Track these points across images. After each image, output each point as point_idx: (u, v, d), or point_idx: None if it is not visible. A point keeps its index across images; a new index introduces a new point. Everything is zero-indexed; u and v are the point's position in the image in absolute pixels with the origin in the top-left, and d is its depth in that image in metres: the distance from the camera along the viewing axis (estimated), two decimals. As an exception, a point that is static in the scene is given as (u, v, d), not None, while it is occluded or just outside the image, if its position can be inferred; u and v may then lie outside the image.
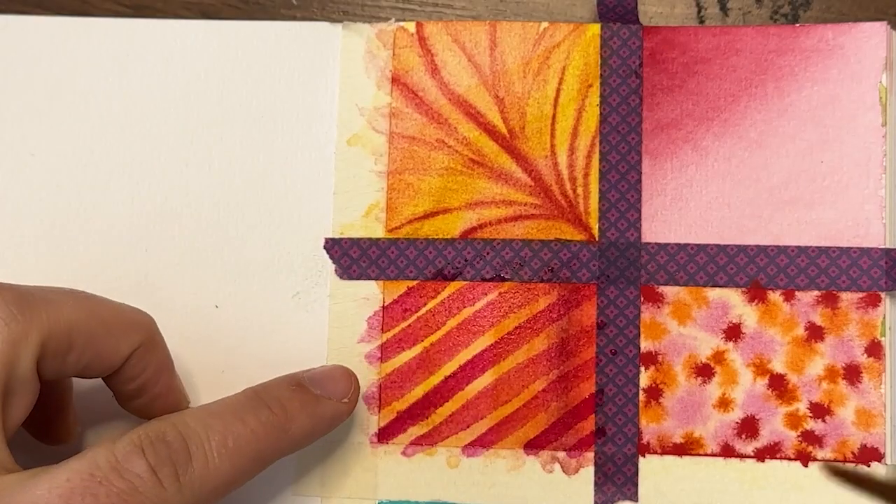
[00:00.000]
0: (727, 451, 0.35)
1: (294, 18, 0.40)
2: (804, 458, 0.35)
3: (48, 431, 0.34)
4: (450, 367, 0.36)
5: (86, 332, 0.30)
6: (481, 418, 0.36)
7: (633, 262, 0.36)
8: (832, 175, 0.36)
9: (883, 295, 0.35)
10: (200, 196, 0.38)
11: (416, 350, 0.37)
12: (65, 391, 0.34)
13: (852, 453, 0.35)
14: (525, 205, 0.37)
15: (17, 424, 0.29)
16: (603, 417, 0.36)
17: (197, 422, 0.30)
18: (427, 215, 0.37)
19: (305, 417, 0.32)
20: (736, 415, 0.35)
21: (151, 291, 0.37)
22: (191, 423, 0.30)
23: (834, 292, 0.36)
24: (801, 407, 0.35)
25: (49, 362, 0.30)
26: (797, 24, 0.37)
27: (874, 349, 0.35)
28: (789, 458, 0.35)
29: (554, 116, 0.37)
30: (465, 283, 0.37)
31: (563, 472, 0.36)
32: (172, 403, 0.34)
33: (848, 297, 0.35)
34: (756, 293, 0.36)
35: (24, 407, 0.29)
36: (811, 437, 0.35)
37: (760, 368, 0.36)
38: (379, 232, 0.37)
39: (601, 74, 0.37)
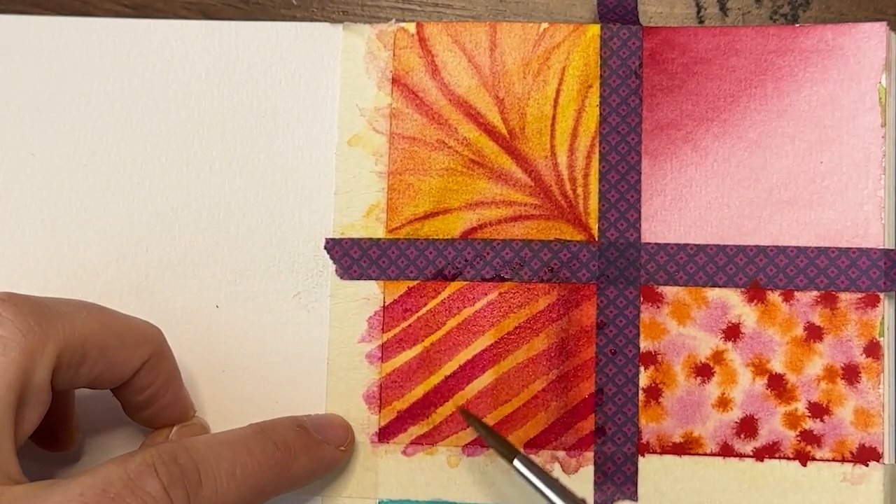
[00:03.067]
0: (726, 451, 0.35)
1: (294, 19, 0.40)
2: (803, 458, 0.35)
3: (51, 439, 0.34)
4: (450, 367, 0.37)
5: (99, 345, 0.31)
6: (481, 418, 0.36)
7: (632, 262, 0.36)
8: (831, 176, 0.36)
9: (882, 295, 0.35)
10: (201, 196, 0.38)
11: (416, 350, 0.37)
12: (68, 399, 0.34)
13: (851, 453, 0.35)
14: (525, 205, 0.37)
15: (28, 434, 0.29)
16: (602, 417, 0.36)
17: (207, 448, 0.30)
18: (427, 215, 0.37)
19: (307, 458, 0.33)
20: (735, 414, 0.36)
21: (152, 291, 0.37)
22: (201, 448, 0.30)
23: (833, 293, 0.36)
24: (800, 407, 0.35)
25: (63, 373, 0.30)
26: (797, 25, 0.37)
27: (873, 349, 0.35)
28: (788, 458, 0.35)
29: (554, 117, 0.37)
30: (465, 283, 0.37)
31: (563, 471, 0.36)
32: (179, 413, 0.35)
33: (847, 298, 0.36)
34: (755, 293, 0.36)
35: (35, 417, 0.29)
36: (810, 437, 0.35)
37: (759, 368, 0.36)
38: (379, 232, 0.37)
39: (601, 75, 0.37)
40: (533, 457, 0.36)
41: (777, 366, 0.36)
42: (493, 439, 0.34)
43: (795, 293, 0.36)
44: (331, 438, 0.34)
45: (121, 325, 0.32)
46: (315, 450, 0.34)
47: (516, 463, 0.33)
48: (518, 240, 0.37)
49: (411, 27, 0.38)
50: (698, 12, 0.39)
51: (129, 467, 0.28)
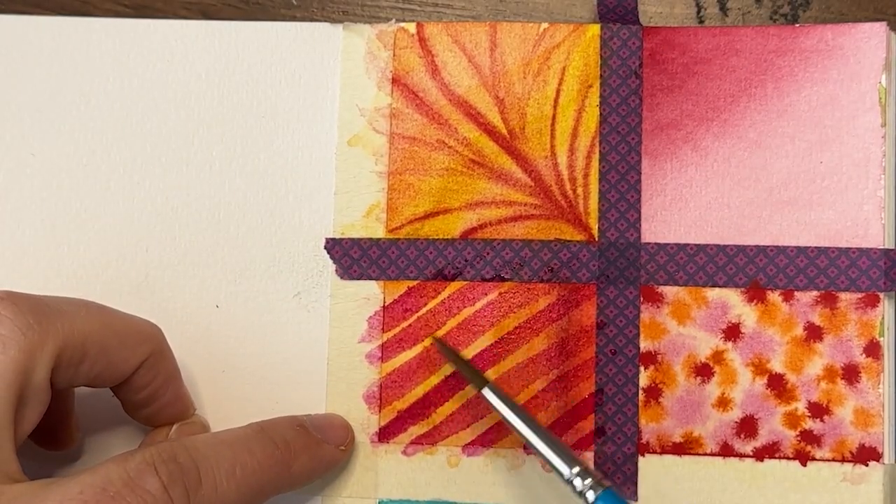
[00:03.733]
0: (726, 451, 0.35)
1: (294, 19, 0.40)
2: (803, 458, 0.35)
3: (51, 438, 0.35)
4: (450, 367, 0.37)
5: (99, 343, 0.31)
6: (481, 417, 0.36)
7: (632, 262, 0.36)
8: (831, 176, 0.36)
9: (881, 295, 0.35)
10: (201, 196, 0.38)
11: (416, 350, 0.37)
12: (68, 398, 0.34)
13: (850, 453, 0.35)
14: (525, 205, 0.37)
15: (28, 433, 0.29)
16: (602, 417, 0.36)
17: (208, 448, 0.30)
18: (427, 215, 0.37)
19: (306, 458, 0.33)
20: (735, 414, 0.36)
21: (152, 291, 0.37)
22: (201, 448, 0.30)
23: (833, 292, 0.36)
24: (800, 406, 0.35)
25: (63, 372, 0.30)
26: (797, 25, 0.37)
27: (873, 349, 0.35)
28: (788, 458, 0.35)
29: (554, 117, 0.37)
30: (465, 283, 0.37)
31: (563, 471, 0.36)
32: (179, 412, 0.35)
33: (847, 298, 0.36)
34: (755, 293, 0.36)
35: (35, 416, 0.29)
36: (810, 437, 0.35)
37: (759, 368, 0.36)
38: (379, 232, 0.37)
39: (601, 75, 0.37)
40: (533, 457, 0.36)
41: (777, 366, 0.36)
42: (464, 368, 0.35)
43: (795, 293, 0.36)
44: (331, 438, 0.34)
45: (121, 324, 0.32)
46: (315, 449, 0.34)
47: (485, 391, 0.34)
48: (518, 240, 0.37)
49: (411, 27, 0.38)
50: (698, 12, 0.39)
51: (128, 466, 0.28)
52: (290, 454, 0.32)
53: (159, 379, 0.33)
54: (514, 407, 0.33)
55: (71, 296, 0.32)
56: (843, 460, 0.35)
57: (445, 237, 0.37)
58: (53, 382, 0.30)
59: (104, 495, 0.27)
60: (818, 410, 0.35)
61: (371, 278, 0.37)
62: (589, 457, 0.36)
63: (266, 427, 0.32)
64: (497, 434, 0.36)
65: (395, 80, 0.38)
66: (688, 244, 0.36)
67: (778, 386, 0.36)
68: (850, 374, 0.35)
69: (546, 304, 0.36)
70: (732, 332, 0.36)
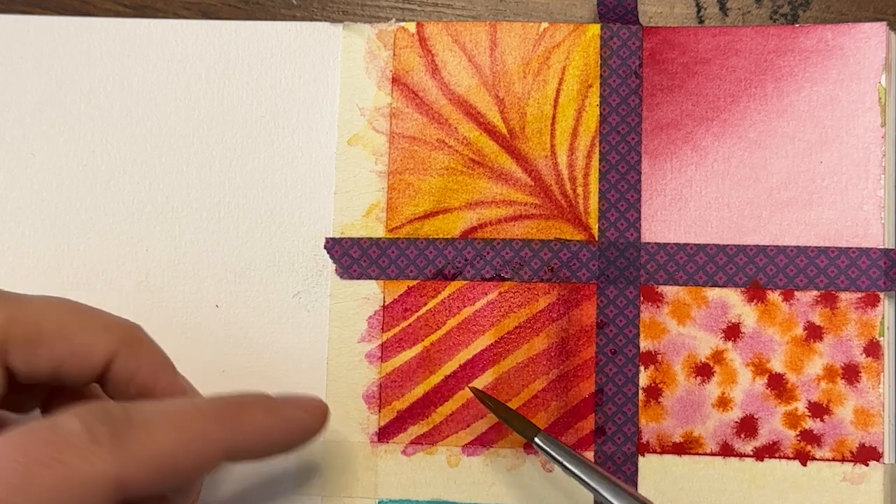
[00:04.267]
0: (726, 451, 0.35)
1: (294, 18, 0.40)
2: (803, 458, 0.35)
3: None
4: (450, 367, 0.37)
5: (56, 322, 0.29)
6: (481, 417, 0.36)
7: (632, 261, 0.36)
8: (831, 175, 0.36)
9: (881, 295, 0.35)
10: (201, 196, 0.38)
11: (416, 349, 0.37)
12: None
13: (851, 452, 0.35)
14: (525, 205, 0.37)
15: None
16: (602, 416, 0.36)
17: (145, 403, 0.28)
18: (427, 215, 0.37)
19: (261, 413, 0.30)
20: (735, 414, 0.36)
21: (152, 291, 0.37)
22: (138, 403, 0.28)
23: (833, 292, 0.36)
24: (800, 406, 0.35)
25: (19, 352, 0.29)
26: (796, 25, 0.37)
27: (873, 349, 0.35)
28: (788, 458, 0.35)
29: (554, 117, 0.37)
30: (465, 282, 0.37)
31: (563, 471, 0.36)
32: None
33: (847, 297, 0.36)
34: (755, 293, 0.36)
35: None
36: (810, 437, 0.35)
37: (759, 368, 0.36)
38: (379, 232, 0.37)
39: (601, 75, 0.37)
40: (533, 457, 0.36)
41: (777, 365, 0.36)
42: (512, 418, 0.34)
43: (795, 293, 0.36)
44: (294, 402, 0.32)
45: (86, 310, 0.30)
46: (271, 405, 0.31)
47: (538, 440, 0.33)
48: (518, 239, 0.37)
49: (411, 27, 0.38)
50: (698, 12, 0.39)
51: (55, 416, 0.27)
52: (240, 407, 0.30)
53: (143, 371, 0.31)
54: (569, 453, 0.32)
55: (70, 296, 0.31)
56: (843, 460, 0.35)
57: (445, 237, 0.37)
58: (14, 367, 0.29)
59: (21, 434, 0.26)
60: (818, 410, 0.35)
61: (371, 278, 0.37)
62: (589, 456, 0.36)
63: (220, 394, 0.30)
64: (497, 434, 0.36)
65: (395, 80, 0.38)
66: (688, 244, 0.36)
67: (778, 386, 0.36)
68: (850, 373, 0.35)
69: (546, 303, 0.36)
70: (732, 332, 0.36)
